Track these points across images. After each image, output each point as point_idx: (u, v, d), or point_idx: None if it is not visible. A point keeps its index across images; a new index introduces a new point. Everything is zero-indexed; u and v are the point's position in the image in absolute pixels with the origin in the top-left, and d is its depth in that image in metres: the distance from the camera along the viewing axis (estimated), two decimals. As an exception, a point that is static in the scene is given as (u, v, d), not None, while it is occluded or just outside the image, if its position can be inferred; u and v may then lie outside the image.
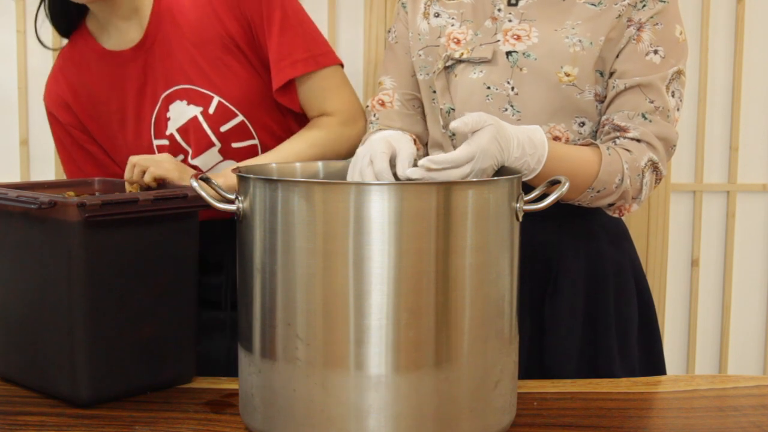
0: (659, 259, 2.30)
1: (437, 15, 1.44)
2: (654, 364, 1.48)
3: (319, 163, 1.29)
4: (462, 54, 1.38)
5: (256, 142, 1.57)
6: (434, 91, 1.43)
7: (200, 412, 1.17)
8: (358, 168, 1.21)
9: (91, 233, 1.15)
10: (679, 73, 1.35)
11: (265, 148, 1.57)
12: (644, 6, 1.33)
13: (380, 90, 1.51)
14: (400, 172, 1.18)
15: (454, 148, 1.41)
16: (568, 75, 1.34)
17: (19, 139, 2.18)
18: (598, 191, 1.30)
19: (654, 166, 1.33)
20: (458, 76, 1.39)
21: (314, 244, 0.99)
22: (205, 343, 1.47)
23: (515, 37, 1.36)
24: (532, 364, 1.38)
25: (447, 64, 1.40)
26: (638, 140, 1.32)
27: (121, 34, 1.56)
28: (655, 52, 1.33)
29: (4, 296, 1.26)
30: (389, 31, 1.54)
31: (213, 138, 1.54)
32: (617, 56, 1.34)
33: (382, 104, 1.49)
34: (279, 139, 1.58)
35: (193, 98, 1.53)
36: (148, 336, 1.22)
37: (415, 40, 1.47)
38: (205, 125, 1.54)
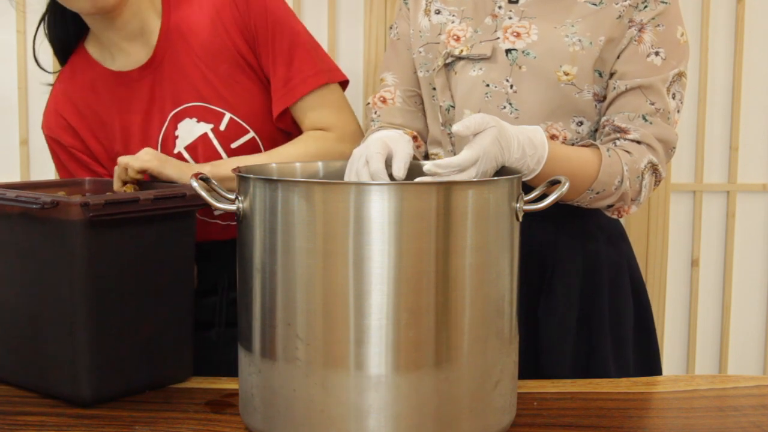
0: (659, 259, 2.30)
1: (438, 12, 1.44)
2: (650, 366, 1.48)
3: (319, 163, 1.29)
4: (461, 51, 1.38)
5: None
6: (434, 89, 1.43)
7: (200, 412, 1.17)
8: (354, 168, 1.21)
9: (94, 233, 1.15)
10: (680, 74, 1.35)
11: None
12: (646, 7, 1.33)
13: (382, 87, 1.51)
14: (396, 173, 1.18)
15: (453, 146, 1.41)
16: (566, 74, 1.34)
17: (19, 139, 2.18)
18: (598, 192, 1.30)
19: (654, 168, 1.33)
20: (458, 73, 1.39)
21: (314, 244, 0.99)
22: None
23: (515, 34, 1.36)
24: (527, 364, 1.38)
25: (447, 62, 1.40)
26: (638, 142, 1.32)
27: (127, 55, 1.55)
28: (657, 53, 1.33)
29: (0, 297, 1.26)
30: (391, 28, 1.54)
31: (223, 155, 1.54)
32: (618, 57, 1.34)
33: (384, 101, 1.49)
34: None
35: (203, 116, 1.53)
36: (148, 334, 1.22)
37: (416, 37, 1.47)
38: (215, 142, 1.54)
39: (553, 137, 1.36)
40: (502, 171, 1.18)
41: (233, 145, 1.54)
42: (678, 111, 1.36)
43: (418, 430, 1.00)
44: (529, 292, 1.41)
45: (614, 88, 1.34)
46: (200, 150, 1.54)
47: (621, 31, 1.33)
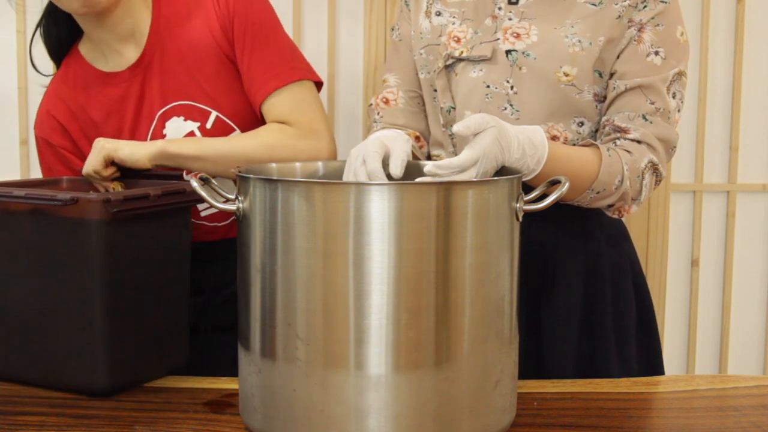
0: (659, 259, 2.30)
1: (439, 14, 1.44)
2: (652, 365, 1.48)
3: (319, 163, 1.29)
4: (462, 52, 1.38)
5: None
6: (435, 90, 1.43)
7: (200, 412, 1.17)
8: (351, 168, 1.21)
9: (111, 229, 1.19)
10: (680, 74, 1.35)
11: None
12: (645, 7, 1.33)
13: (384, 87, 1.51)
14: (393, 171, 1.19)
15: (455, 147, 1.41)
16: (567, 75, 1.34)
17: (19, 139, 2.18)
18: (598, 192, 1.30)
19: (654, 168, 1.33)
20: (458, 74, 1.39)
21: (314, 244, 0.99)
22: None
23: (515, 35, 1.36)
24: (529, 364, 1.38)
25: (447, 63, 1.40)
26: (639, 141, 1.32)
27: (119, 56, 1.56)
28: (656, 53, 1.33)
29: (3, 295, 1.26)
30: (393, 29, 1.54)
31: None
32: (618, 57, 1.34)
33: (386, 102, 1.49)
34: None
35: (190, 114, 1.54)
36: (155, 324, 1.27)
37: (416, 39, 1.47)
38: None
39: (554, 138, 1.36)
40: (502, 171, 1.18)
41: None
42: (678, 110, 1.36)
43: (418, 430, 1.00)
44: (531, 292, 1.41)
45: (614, 88, 1.34)
46: None
47: (621, 31, 1.33)
